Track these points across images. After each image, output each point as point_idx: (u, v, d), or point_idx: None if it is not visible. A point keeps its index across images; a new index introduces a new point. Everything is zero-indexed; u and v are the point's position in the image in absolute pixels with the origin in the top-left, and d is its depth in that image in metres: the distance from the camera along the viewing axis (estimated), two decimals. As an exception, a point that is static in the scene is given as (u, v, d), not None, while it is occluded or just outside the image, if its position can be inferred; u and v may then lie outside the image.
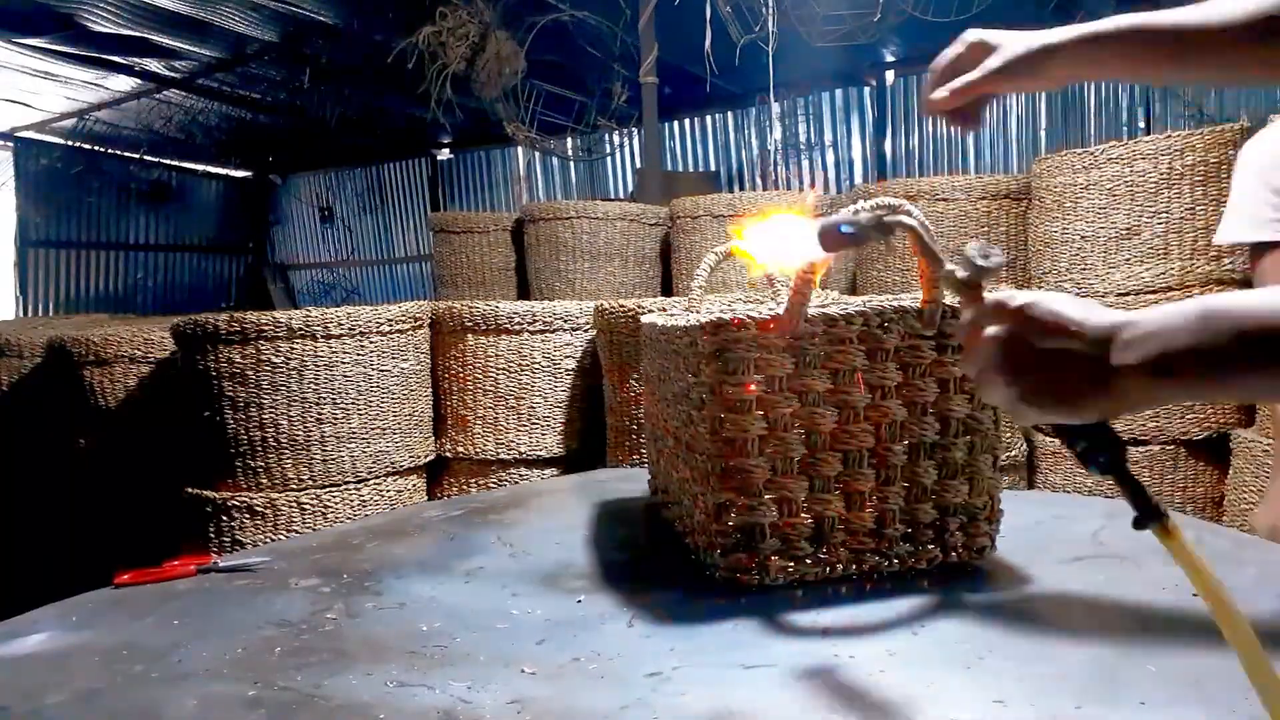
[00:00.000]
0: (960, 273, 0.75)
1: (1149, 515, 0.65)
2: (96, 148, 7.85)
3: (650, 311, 2.06)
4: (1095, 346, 0.65)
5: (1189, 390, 0.63)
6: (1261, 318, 0.59)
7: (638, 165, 6.83)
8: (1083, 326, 0.66)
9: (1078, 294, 2.89)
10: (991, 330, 0.70)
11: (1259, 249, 1.61)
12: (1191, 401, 0.67)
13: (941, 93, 1.01)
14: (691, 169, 7.23)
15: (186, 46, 5.72)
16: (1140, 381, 0.63)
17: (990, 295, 0.73)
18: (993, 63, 0.98)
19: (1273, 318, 0.58)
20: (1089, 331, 0.66)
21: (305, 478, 2.48)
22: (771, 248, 0.99)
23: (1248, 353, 0.59)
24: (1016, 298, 0.70)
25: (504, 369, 2.80)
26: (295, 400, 2.44)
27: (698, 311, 1.30)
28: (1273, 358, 0.58)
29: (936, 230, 2.12)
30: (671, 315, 1.37)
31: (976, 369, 0.72)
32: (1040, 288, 3.07)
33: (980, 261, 0.74)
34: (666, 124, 6.98)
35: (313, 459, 2.48)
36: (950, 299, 1.01)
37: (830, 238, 0.83)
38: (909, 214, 0.86)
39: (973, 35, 1.01)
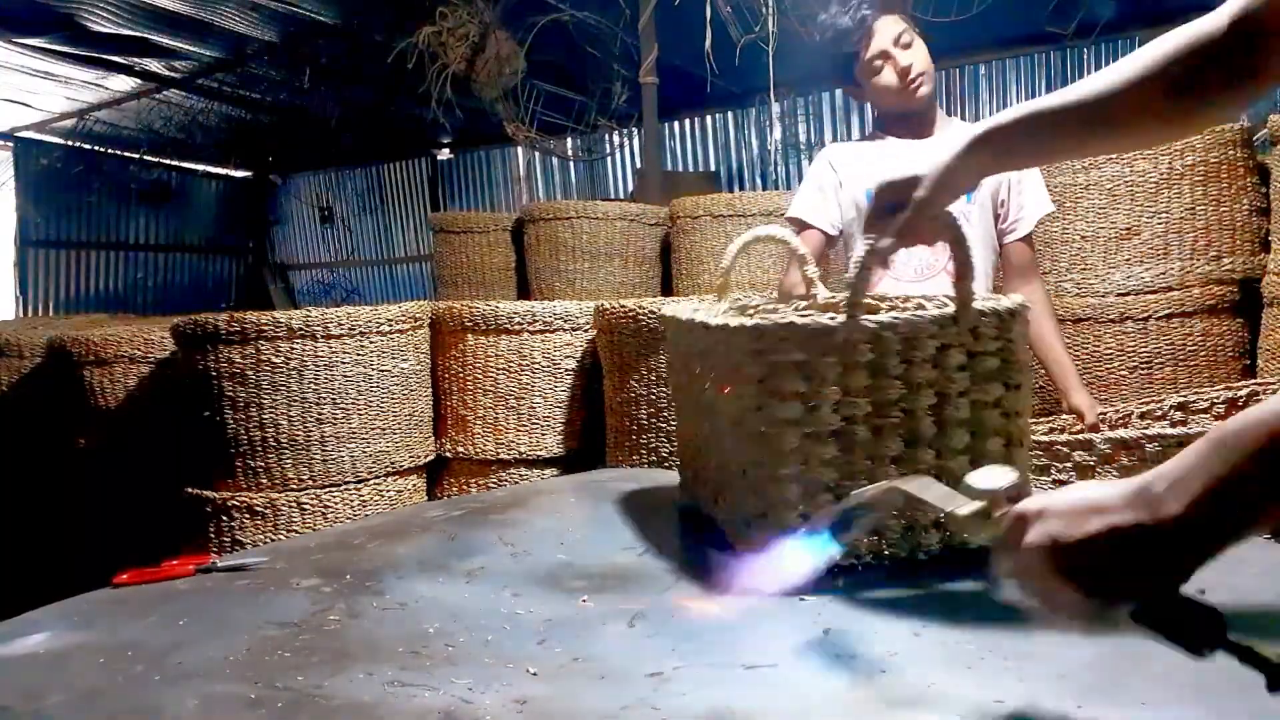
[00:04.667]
0: (963, 510, 0.74)
1: (1276, 673, 0.59)
2: (96, 148, 7.84)
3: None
4: (1132, 512, 0.61)
5: (1247, 517, 0.59)
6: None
7: (638, 165, 6.83)
8: (1111, 498, 0.63)
9: (1077, 294, 2.90)
10: (1024, 547, 0.67)
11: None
12: (1248, 535, 0.64)
13: (885, 244, 1.01)
14: (691, 169, 7.22)
15: (186, 46, 5.71)
16: (1193, 529, 0.59)
17: (1006, 517, 0.71)
18: (920, 194, 0.99)
19: None
20: (1119, 500, 0.63)
21: (305, 478, 2.48)
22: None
23: None
24: (1030, 506, 0.68)
25: (504, 369, 2.80)
26: (295, 400, 2.44)
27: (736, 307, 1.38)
28: None
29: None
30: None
31: (1030, 594, 0.69)
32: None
33: (980, 488, 0.73)
34: (666, 124, 6.97)
35: (313, 459, 2.48)
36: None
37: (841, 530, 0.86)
38: (897, 490, 0.83)
39: (883, 183, 1.04)
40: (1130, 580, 0.63)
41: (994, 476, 0.74)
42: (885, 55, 2.05)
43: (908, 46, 2.05)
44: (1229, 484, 0.57)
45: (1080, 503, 0.65)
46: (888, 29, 2.05)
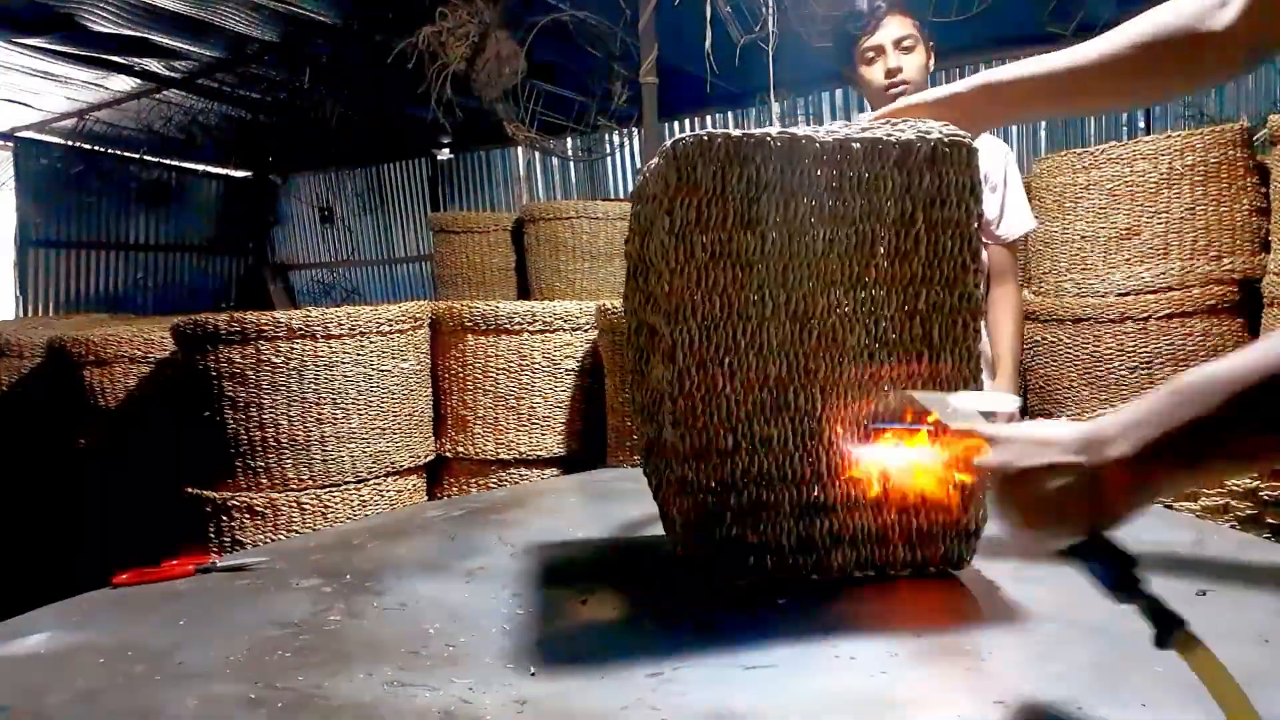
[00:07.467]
0: (955, 424, 0.83)
1: (1167, 629, 0.63)
2: (96, 148, 7.83)
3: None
4: (1075, 453, 0.65)
5: (1184, 469, 0.63)
6: (1247, 374, 0.57)
7: (638, 165, 6.83)
8: (1060, 437, 0.67)
9: (1077, 294, 2.90)
10: (983, 469, 0.75)
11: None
12: (1182, 487, 0.71)
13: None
14: (692, 169, 7.21)
15: (186, 46, 5.71)
16: (1130, 475, 0.63)
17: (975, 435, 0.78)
18: (917, 97, 1.13)
19: (1259, 370, 0.57)
20: (1064, 441, 0.67)
21: (305, 478, 2.48)
22: None
23: (1246, 409, 0.57)
24: (994, 432, 0.75)
25: (504, 369, 2.80)
26: (295, 400, 2.44)
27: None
28: (1272, 408, 0.57)
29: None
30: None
31: (995, 514, 0.75)
32: (1041, 287, 3.07)
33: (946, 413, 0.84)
34: (666, 124, 6.96)
35: (313, 459, 2.48)
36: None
37: None
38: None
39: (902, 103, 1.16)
40: (1064, 518, 0.67)
41: (991, 401, 0.82)
42: (880, 50, 2.07)
43: (907, 51, 2.06)
44: (1183, 431, 0.60)
45: (1031, 436, 0.70)
46: (894, 27, 2.06)
